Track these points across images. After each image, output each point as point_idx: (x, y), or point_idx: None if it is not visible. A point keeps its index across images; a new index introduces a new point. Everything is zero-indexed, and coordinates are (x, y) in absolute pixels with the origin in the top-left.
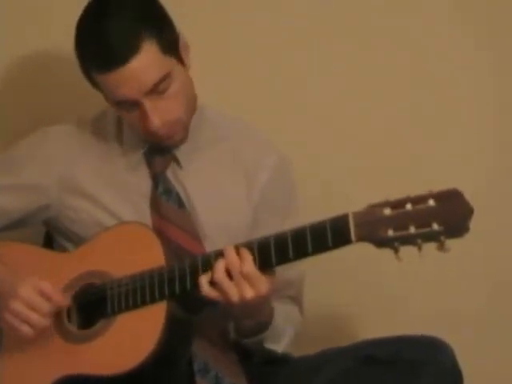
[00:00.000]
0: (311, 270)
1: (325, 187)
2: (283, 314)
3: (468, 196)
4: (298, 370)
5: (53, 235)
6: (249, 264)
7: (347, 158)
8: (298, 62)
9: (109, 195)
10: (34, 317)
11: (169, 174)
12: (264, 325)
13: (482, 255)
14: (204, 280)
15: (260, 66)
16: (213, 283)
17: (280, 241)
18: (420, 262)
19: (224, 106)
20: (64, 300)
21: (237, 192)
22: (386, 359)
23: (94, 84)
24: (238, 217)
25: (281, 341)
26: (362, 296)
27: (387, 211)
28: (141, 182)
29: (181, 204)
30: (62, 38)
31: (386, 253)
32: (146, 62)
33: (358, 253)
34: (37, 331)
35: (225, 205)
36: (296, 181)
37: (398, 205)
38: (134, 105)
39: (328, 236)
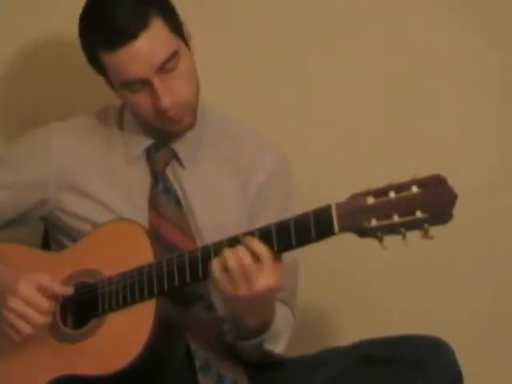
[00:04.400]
0: (312, 271)
1: (324, 187)
2: (279, 315)
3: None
4: (298, 369)
5: (50, 232)
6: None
7: (347, 157)
8: (297, 62)
9: (107, 191)
10: (33, 314)
11: (168, 172)
12: (266, 324)
13: (484, 255)
14: (215, 263)
15: (260, 66)
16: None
17: (264, 233)
18: (420, 263)
19: (223, 105)
20: (65, 289)
21: (235, 194)
22: (386, 359)
23: (100, 68)
24: (235, 219)
25: (279, 342)
26: (362, 296)
27: (370, 200)
28: (140, 178)
29: (178, 203)
30: (65, 35)
31: (387, 253)
32: (155, 37)
33: (359, 252)
34: (35, 329)
35: (222, 207)
36: (294, 180)
37: (380, 193)
38: (143, 85)
39: (311, 228)
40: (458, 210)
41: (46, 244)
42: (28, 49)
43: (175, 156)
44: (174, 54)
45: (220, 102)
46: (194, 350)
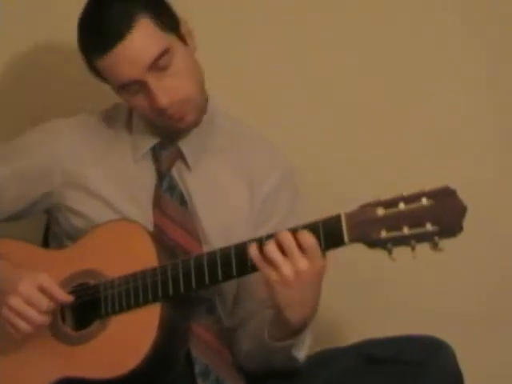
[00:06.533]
0: None
1: (327, 189)
2: None
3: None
4: (298, 369)
5: (51, 227)
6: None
7: (349, 159)
8: (305, 64)
9: (112, 189)
10: (32, 313)
11: (174, 172)
12: (304, 324)
13: (484, 255)
14: (253, 249)
15: (264, 67)
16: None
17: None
18: (421, 262)
19: (231, 106)
20: (66, 297)
21: (239, 199)
22: (386, 359)
23: (98, 75)
24: (239, 223)
25: (303, 349)
26: (362, 296)
27: (380, 211)
28: (146, 177)
29: (183, 202)
30: (67, 35)
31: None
32: (142, 37)
33: (358, 253)
34: (34, 328)
35: (226, 210)
36: (299, 188)
37: (390, 204)
38: (140, 86)
39: (321, 238)
40: None
41: (46, 239)
42: (31, 51)
43: (181, 156)
44: (165, 52)
45: (227, 103)
46: (195, 355)
